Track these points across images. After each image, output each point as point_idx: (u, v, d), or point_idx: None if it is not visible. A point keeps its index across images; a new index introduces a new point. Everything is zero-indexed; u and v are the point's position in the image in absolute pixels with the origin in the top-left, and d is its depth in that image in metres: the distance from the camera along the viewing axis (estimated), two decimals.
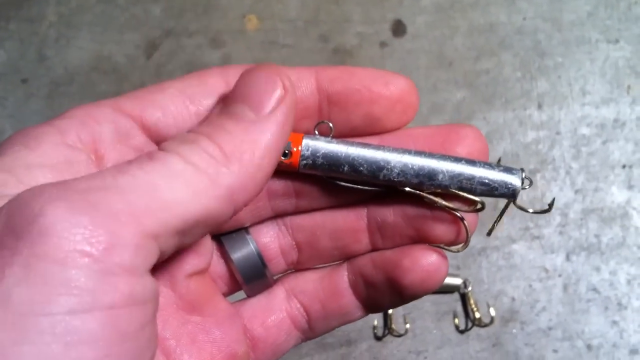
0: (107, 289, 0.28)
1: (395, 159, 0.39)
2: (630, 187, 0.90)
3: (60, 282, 0.27)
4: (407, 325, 0.87)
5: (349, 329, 0.88)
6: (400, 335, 0.87)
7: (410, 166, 0.39)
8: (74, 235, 0.28)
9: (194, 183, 0.32)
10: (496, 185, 0.40)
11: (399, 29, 0.98)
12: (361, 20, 0.98)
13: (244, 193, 0.34)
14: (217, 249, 0.45)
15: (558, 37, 0.97)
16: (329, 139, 0.40)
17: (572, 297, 0.87)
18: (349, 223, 0.43)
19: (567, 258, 0.89)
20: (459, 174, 0.39)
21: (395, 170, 0.39)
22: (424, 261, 0.41)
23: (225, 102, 0.36)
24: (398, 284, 0.41)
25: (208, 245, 0.42)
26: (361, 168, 0.39)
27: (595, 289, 0.88)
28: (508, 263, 0.88)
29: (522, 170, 0.40)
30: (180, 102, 0.38)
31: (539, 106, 0.94)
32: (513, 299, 0.88)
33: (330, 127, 0.40)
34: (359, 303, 0.44)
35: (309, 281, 0.45)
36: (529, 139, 0.92)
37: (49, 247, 0.27)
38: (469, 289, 0.87)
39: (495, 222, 0.44)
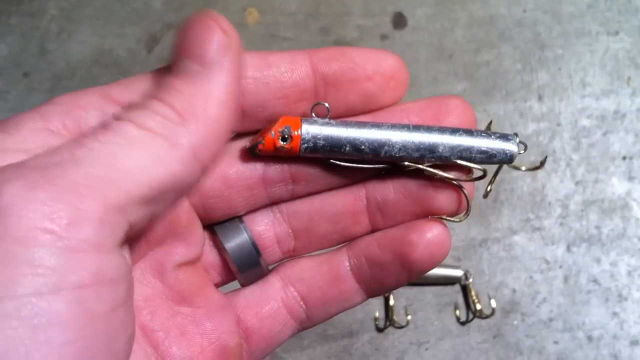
0: (73, 266, 0.27)
1: (396, 135, 0.40)
2: (630, 178, 0.91)
3: (23, 262, 0.26)
4: (409, 317, 0.87)
5: (350, 320, 0.88)
6: (401, 327, 0.87)
7: (410, 141, 0.40)
8: (34, 212, 0.27)
9: (152, 148, 0.31)
10: (494, 152, 0.40)
11: (399, 21, 0.98)
12: (362, 13, 0.98)
13: (207, 150, 0.33)
14: (210, 238, 0.44)
15: (558, 29, 0.97)
16: (327, 120, 0.40)
17: (573, 288, 0.88)
18: (348, 205, 0.43)
19: (568, 249, 0.89)
20: (458, 145, 0.40)
21: (397, 146, 0.40)
22: (430, 234, 0.41)
23: (172, 62, 0.35)
24: (407, 260, 0.41)
25: (198, 235, 0.42)
26: (362, 147, 0.40)
27: (595, 281, 0.88)
28: (509, 254, 0.89)
29: (516, 134, 0.41)
30: None
31: (540, 98, 0.94)
32: (514, 291, 0.88)
33: (327, 108, 0.40)
34: (360, 287, 0.44)
35: (306, 268, 0.44)
36: (529, 130, 0.93)
37: (9, 227, 0.26)
38: (470, 280, 0.87)
39: (489, 183, 0.44)
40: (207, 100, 0.33)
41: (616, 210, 0.90)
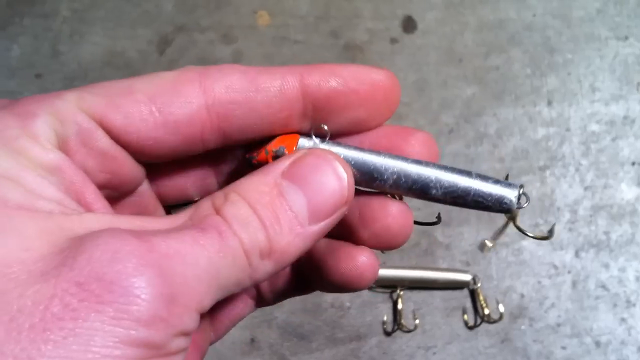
0: (172, 348, 0.29)
1: (390, 168, 0.39)
2: (639, 184, 0.90)
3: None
4: (417, 321, 0.87)
5: (358, 324, 0.88)
6: (409, 331, 0.87)
7: (403, 179, 0.39)
8: (159, 302, 0.28)
9: (233, 260, 0.32)
10: (491, 201, 0.38)
11: (409, 25, 0.98)
12: (371, 16, 0.98)
13: (272, 274, 0.35)
14: None
15: (567, 33, 0.97)
16: (326, 141, 0.39)
17: (581, 293, 0.88)
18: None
19: (576, 255, 0.89)
20: (454, 189, 0.39)
21: (389, 181, 0.39)
22: (353, 263, 0.40)
23: (290, 177, 0.36)
24: (326, 278, 0.41)
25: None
26: (355, 173, 0.39)
27: (604, 286, 0.88)
28: (517, 259, 0.89)
29: (522, 186, 0.39)
30: (146, 110, 0.36)
31: (549, 103, 0.94)
32: (522, 296, 0.88)
33: (327, 131, 0.39)
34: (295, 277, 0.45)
35: None
36: (538, 135, 0.93)
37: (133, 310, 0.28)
38: (478, 285, 0.87)
39: (494, 239, 0.43)
40: (295, 251, 0.35)
41: (625, 215, 0.90)
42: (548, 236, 0.42)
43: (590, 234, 0.89)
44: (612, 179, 0.91)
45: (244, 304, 0.46)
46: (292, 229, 0.34)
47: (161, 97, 0.36)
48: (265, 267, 0.34)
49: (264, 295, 0.46)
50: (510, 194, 0.38)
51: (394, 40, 0.97)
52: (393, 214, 0.40)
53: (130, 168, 0.38)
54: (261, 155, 0.39)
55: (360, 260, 0.40)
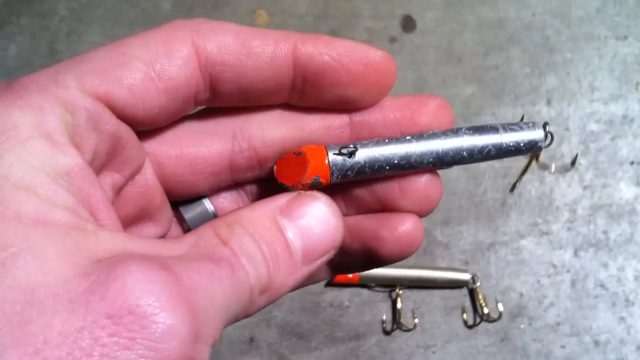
0: None
1: (426, 155, 0.39)
2: (638, 183, 0.91)
3: None
4: (416, 320, 0.87)
5: (357, 323, 0.89)
6: (408, 330, 0.87)
7: (439, 161, 0.39)
8: (188, 341, 0.28)
9: (240, 295, 0.32)
10: (522, 147, 0.39)
11: (408, 24, 0.98)
12: (370, 16, 0.98)
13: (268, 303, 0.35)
14: (176, 217, 0.44)
15: (567, 33, 0.97)
16: (352, 148, 0.39)
17: (580, 293, 0.88)
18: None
19: (575, 254, 0.89)
20: (488, 151, 0.39)
21: (427, 165, 0.39)
22: (402, 229, 0.40)
23: (287, 215, 0.36)
24: (375, 255, 0.41)
25: (169, 214, 0.41)
26: (387, 167, 0.39)
27: (603, 285, 0.88)
28: (516, 258, 0.89)
29: (546, 124, 0.40)
30: (147, 79, 0.34)
31: (548, 102, 0.94)
32: (521, 295, 0.88)
33: (355, 147, 0.39)
34: (326, 266, 0.43)
35: None
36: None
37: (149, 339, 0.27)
38: (478, 284, 0.87)
39: (518, 179, 0.43)
40: (289, 286, 0.35)
41: (624, 215, 0.90)
42: (571, 167, 0.43)
43: (589, 233, 0.89)
44: (611, 178, 0.91)
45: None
46: (287, 267, 0.34)
47: (158, 61, 0.35)
48: (259, 303, 0.33)
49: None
50: (537, 135, 0.39)
51: (393, 40, 0.97)
52: (427, 180, 0.40)
53: (134, 145, 0.37)
54: (298, 187, 0.38)
55: (410, 223, 0.40)
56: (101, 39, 0.99)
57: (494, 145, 0.39)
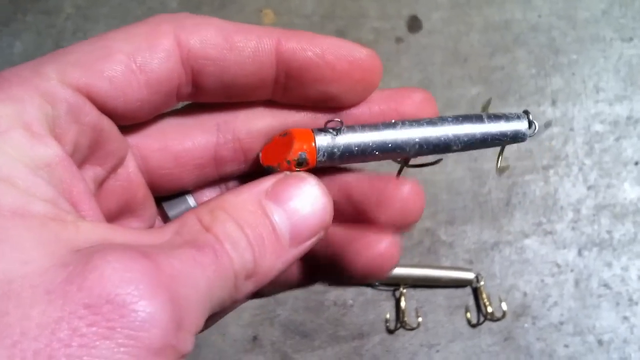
0: None
1: (411, 141, 0.39)
2: None
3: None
4: (420, 319, 0.88)
5: (361, 321, 0.89)
6: (412, 329, 0.87)
7: (425, 147, 0.39)
8: (169, 330, 0.27)
9: (224, 281, 0.32)
10: (507, 138, 0.40)
11: (414, 24, 0.98)
12: (377, 16, 0.99)
13: (257, 287, 0.34)
14: (160, 214, 0.43)
15: (572, 34, 0.97)
16: (339, 133, 0.38)
17: (584, 292, 0.88)
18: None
19: (579, 253, 0.89)
20: (472, 141, 0.39)
21: (412, 152, 0.39)
22: (376, 249, 0.39)
23: (273, 198, 0.35)
24: (344, 271, 0.40)
25: (152, 210, 0.41)
26: (376, 152, 0.39)
27: (606, 285, 0.88)
28: (520, 258, 0.89)
29: (527, 112, 0.40)
30: (129, 72, 0.34)
31: (553, 103, 0.95)
32: (525, 294, 0.88)
33: (341, 121, 0.38)
34: (302, 269, 0.43)
35: None
36: (542, 135, 0.93)
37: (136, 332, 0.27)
38: (481, 283, 0.88)
39: (498, 158, 0.43)
40: (277, 269, 0.34)
41: (628, 215, 0.90)
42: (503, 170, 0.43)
43: (593, 233, 0.90)
44: (615, 178, 0.91)
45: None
46: (274, 250, 0.34)
47: (140, 54, 0.34)
48: (246, 288, 0.33)
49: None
50: (522, 126, 0.40)
51: (399, 40, 0.98)
52: (408, 190, 0.39)
53: (115, 138, 0.37)
54: (283, 165, 0.38)
55: (384, 245, 0.39)
56: None
57: (480, 133, 0.39)
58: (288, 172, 0.37)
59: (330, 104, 0.40)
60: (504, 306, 0.87)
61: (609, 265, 0.89)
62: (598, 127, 0.94)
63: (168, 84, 0.36)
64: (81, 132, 0.34)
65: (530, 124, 0.40)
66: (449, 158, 0.91)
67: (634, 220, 0.90)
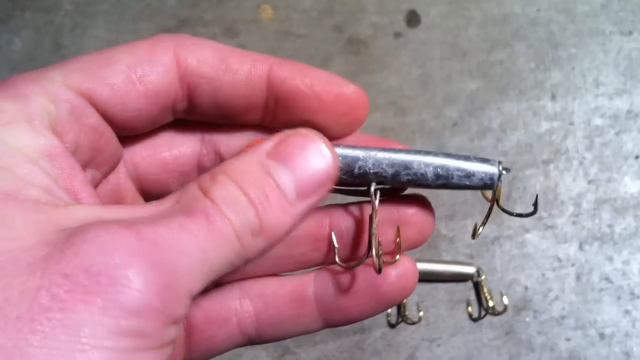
0: (164, 337, 0.29)
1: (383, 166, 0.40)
2: None
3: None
4: (421, 313, 0.88)
5: None
6: (413, 323, 0.87)
7: (399, 163, 0.40)
8: (151, 292, 0.28)
9: (222, 243, 0.32)
10: (474, 172, 0.40)
11: (413, 19, 0.98)
12: (375, 11, 0.98)
13: (266, 250, 0.35)
14: None
15: (572, 28, 0.97)
16: None
17: (585, 286, 0.88)
18: (309, 230, 0.43)
19: (580, 248, 0.89)
20: (443, 181, 0.41)
21: (387, 178, 0.40)
22: (402, 266, 0.42)
23: (275, 156, 0.35)
24: (377, 291, 0.42)
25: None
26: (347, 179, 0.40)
27: (607, 279, 0.88)
28: (521, 252, 0.89)
29: (500, 162, 0.41)
30: (129, 81, 0.37)
31: (553, 97, 0.94)
32: (526, 288, 0.88)
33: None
34: (319, 315, 0.44)
35: (268, 284, 0.44)
36: (542, 129, 0.93)
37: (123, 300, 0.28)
38: (483, 277, 0.88)
39: (481, 223, 0.44)
40: (285, 226, 0.35)
41: (629, 209, 0.90)
42: (533, 212, 0.42)
43: (594, 227, 0.90)
44: (615, 172, 0.91)
45: (228, 334, 0.44)
46: (280, 206, 0.34)
47: (140, 66, 0.37)
48: (257, 245, 0.34)
49: (261, 329, 0.44)
50: (491, 170, 0.40)
51: (397, 35, 0.98)
52: (419, 214, 0.44)
53: (113, 144, 0.39)
54: None
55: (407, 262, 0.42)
56: (106, 33, 0.99)
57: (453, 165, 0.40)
58: (287, 131, 0.37)
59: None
60: (505, 300, 0.87)
61: (610, 259, 0.89)
62: (598, 121, 0.93)
63: (165, 97, 0.38)
64: (82, 133, 0.36)
65: (500, 174, 0.40)
66: None
67: (634, 214, 0.90)
